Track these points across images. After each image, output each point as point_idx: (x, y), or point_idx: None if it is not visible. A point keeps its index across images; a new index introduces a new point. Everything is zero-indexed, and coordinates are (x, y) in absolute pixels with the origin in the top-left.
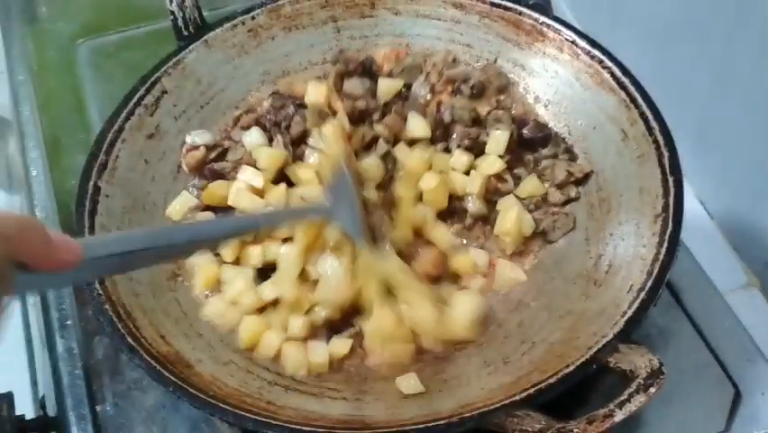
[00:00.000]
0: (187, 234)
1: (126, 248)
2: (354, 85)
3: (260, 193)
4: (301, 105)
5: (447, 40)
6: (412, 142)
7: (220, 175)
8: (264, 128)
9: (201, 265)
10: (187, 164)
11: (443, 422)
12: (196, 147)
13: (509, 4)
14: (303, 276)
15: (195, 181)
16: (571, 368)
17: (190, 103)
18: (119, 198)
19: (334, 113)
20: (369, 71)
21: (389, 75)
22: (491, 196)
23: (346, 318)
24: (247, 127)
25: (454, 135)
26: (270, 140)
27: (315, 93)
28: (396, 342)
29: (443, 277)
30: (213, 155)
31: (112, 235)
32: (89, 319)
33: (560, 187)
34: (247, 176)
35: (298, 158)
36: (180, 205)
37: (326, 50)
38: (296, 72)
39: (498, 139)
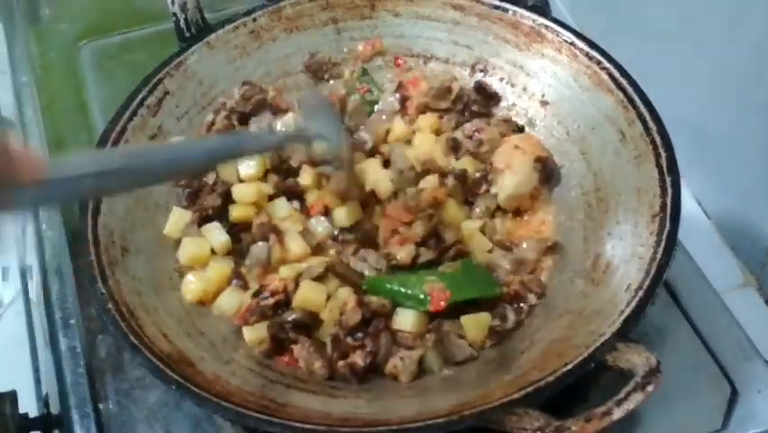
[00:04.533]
0: (164, 155)
1: (100, 168)
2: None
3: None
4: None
5: (447, 41)
6: None
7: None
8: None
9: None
10: None
11: (442, 420)
12: None
13: (508, 6)
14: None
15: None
16: (570, 367)
17: (192, 104)
18: (122, 197)
19: None
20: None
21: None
22: None
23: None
24: (223, 129)
25: None
26: None
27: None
28: None
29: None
30: None
31: (85, 155)
32: (92, 318)
33: None
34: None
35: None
36: (176, 222)
37: (327, 51)
38: (296, 74)
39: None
